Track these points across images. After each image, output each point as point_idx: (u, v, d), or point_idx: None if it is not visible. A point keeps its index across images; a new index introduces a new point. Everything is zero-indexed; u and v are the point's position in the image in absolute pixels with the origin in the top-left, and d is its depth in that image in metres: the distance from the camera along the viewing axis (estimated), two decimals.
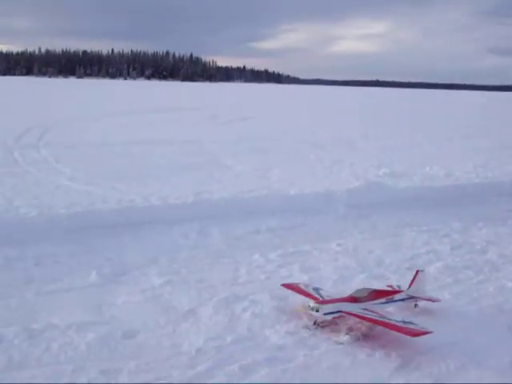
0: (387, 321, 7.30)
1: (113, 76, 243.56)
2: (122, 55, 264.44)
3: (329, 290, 8.63)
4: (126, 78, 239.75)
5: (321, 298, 7.88)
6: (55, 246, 10.58)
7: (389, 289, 8.56)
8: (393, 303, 8.16)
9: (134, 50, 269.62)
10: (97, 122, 34.85)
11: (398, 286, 8.68)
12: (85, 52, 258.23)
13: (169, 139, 26.83)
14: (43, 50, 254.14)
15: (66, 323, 7.49)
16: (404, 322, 7.28)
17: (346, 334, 7.41)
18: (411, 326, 7.20)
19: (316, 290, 8.28)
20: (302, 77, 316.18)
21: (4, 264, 9.66)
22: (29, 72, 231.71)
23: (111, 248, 10.74)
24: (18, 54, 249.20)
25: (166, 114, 43.65)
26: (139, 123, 35.13)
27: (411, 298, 8.34)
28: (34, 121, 32.40)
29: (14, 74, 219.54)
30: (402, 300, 8.27)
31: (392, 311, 8.06)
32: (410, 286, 8.45)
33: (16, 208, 12.64)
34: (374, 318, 7.39)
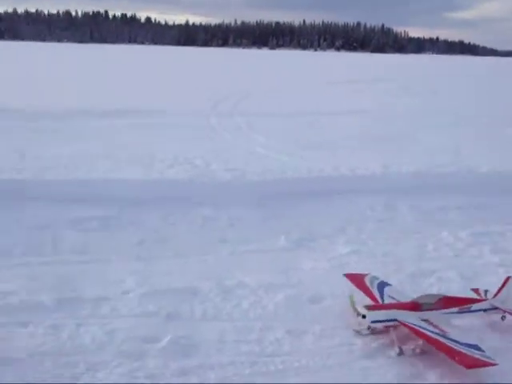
0: (443, 341, 6.12)
1: (304, 47, 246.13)
2: (313, 26, 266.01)
3: (398, 287, 7.64)
4: (316, 49, 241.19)
5: (380, 298, 7.02)
6: (247, 210, 11.12)
7: (471, 294, 7.41)
8: (469, 314, 6.97)
9: (325, 21, 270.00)
10: (289, 93, 35.49)
11: (486, 292, 7.41)
12: (277, 23, 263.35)
13: (358, 110, 26.68)
14: (239, 22, 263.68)
15: (256, 283, 7.92)
16: (467, 346, 6.04)
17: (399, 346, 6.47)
18: (474, 353, 5.95)
19: (381, 286, 7.36)
20: (500, 48, 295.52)
21: (202, 223, 10.41)
22: (224, 43, 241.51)
23: (300, 215, 11.06)
24: (215, 26, 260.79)
25: (356, 85, 43.32)
26: (330, 94, 35.33)
27: (495, 308, 7.07)
28: (230, 90, 33.89)
29: (211, 46, 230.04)
30: (484, 310, 7.05)
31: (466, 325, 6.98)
32: (496, 294, 7.18)
33: (212, 171, 13.41)
34: (428, 334, 6.25)
